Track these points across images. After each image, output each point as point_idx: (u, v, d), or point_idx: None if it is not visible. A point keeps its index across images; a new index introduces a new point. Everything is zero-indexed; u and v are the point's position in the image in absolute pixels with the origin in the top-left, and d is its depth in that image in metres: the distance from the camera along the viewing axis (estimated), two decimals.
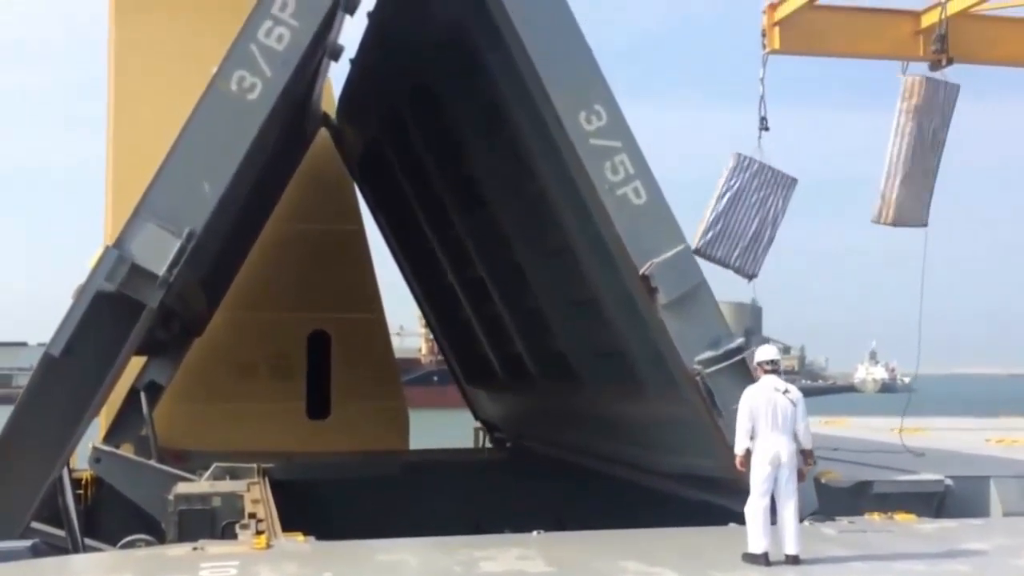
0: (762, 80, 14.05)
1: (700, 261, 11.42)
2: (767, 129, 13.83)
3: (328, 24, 11.20)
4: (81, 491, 15.28)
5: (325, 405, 18.74)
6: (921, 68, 14.48)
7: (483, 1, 10.52)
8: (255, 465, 14.00)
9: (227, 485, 12.52)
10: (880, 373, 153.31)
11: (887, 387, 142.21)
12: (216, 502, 11.66)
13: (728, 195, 13.27)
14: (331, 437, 18.18)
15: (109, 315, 9.43)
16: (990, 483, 11.82)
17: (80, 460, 15.21)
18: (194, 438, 16.70)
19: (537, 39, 10.20)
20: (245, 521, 10.42)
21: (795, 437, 8.51)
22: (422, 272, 20.47)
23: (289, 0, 9.35)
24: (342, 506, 15.74)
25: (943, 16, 13.60)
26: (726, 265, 13.08)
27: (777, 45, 14.30)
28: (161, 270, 9.30)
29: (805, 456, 8.61)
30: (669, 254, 10.24)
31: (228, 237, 14.26)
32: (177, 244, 9.31)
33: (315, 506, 14.54)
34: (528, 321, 15.24)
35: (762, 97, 13.92)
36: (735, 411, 8.70)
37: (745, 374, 9.87)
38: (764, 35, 14.40)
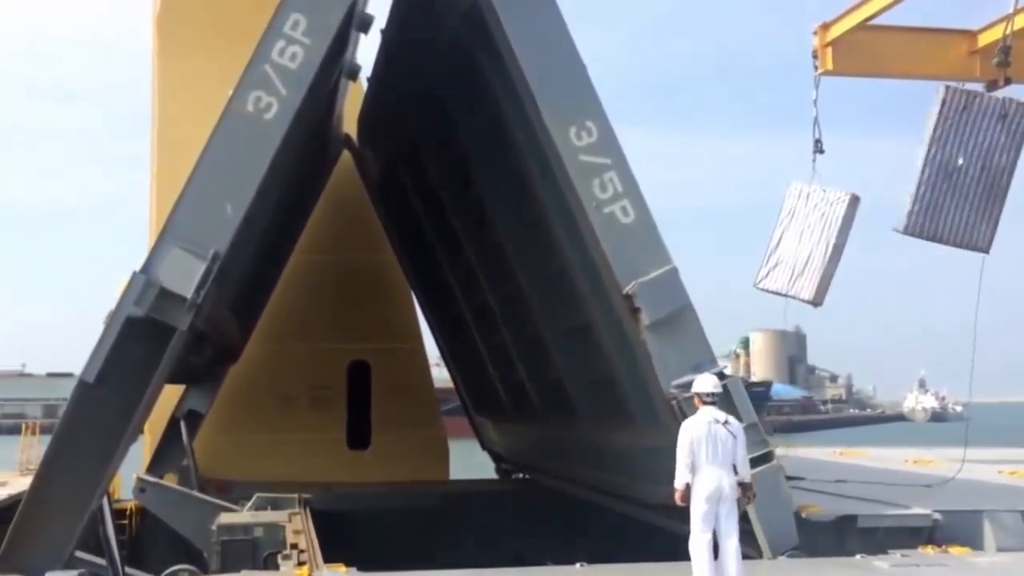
0: (815, 102, 13.65)
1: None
2: (822, 151, 13.42)
3: (342, 43, 11.37)
4: (126, 521, 15.50)
5: (365, 435, 18.83)
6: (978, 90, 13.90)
7: (483, 17, 10.59)
8: (296, 495, 14.01)
9: (269, 515, 12.59)
10: (930, 402, 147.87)
11: (938, 416, 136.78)
12: (258, 532, 11.76)
13: (781, 227, 13.04)
14: (371, 467, 18.24)
15: (140, 340, 9.50)
16: (983, 517, 11.08)
17: (125, 490, 15.44)
18: (236, 468, 16.86)
19: (531, 53, 10.22)
20: (287, 552, 10.44)
21: (735, 470, 8.19)
22: (433, 299, 20.48)
23: (300, 19, 9.51)
24: (383, 536, 15.68)
25: (1009, 29, 12.83)
26: (783, 295, 12.77)
27: (830, 66, 13.73)
28: (189, 292, 9.37)
29: (744, 489, 8.25)
30: (654, 274, 10.03)
31: (256, 260, 14.40)
32: (203, 266, 9.39)
33: (356, 536, 14.45)
34: (529, 349, 15.09)
35: (815, 119, 13.53)
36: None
37: (727, 403, 9.39)
38: (815, 56, 14.03)
